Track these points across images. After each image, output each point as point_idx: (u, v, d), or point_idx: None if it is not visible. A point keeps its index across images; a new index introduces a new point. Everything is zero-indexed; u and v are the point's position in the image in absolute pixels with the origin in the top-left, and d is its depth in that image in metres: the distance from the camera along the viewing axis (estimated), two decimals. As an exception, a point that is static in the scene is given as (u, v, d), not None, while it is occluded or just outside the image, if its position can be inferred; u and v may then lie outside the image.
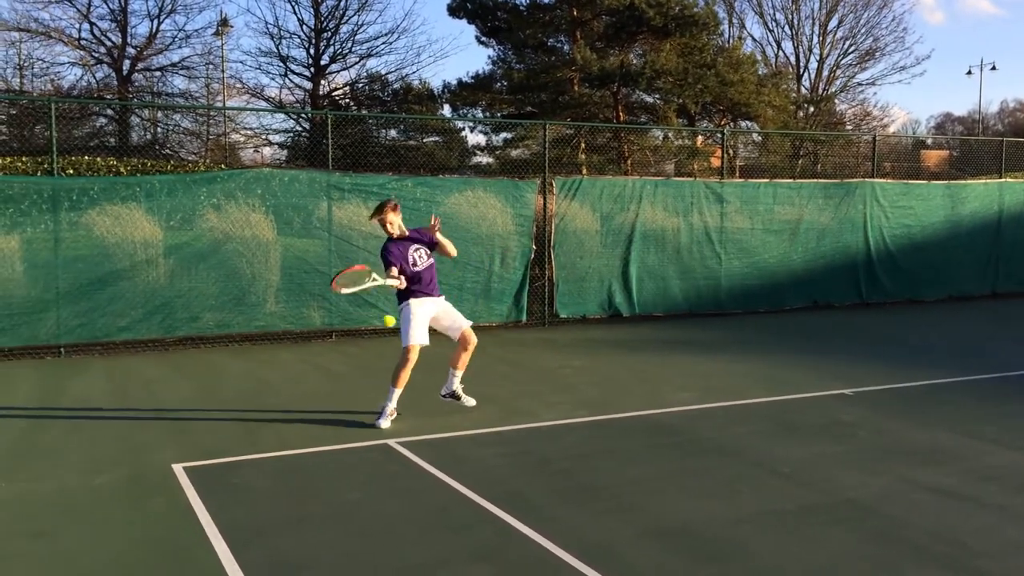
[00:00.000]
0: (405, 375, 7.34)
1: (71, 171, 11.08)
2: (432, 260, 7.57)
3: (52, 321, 10.49)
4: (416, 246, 7.49)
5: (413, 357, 7.32)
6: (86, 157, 12.10)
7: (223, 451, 6.57)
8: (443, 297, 7.69)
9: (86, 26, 27.21)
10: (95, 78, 28.01)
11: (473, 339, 7.65)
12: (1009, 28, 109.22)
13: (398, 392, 7.37)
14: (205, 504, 5.36)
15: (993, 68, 57.19)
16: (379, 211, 7.46)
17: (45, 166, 10.86)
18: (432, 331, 7.56)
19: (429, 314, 7.48)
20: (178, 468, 6.11)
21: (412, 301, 7.42)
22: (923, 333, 12.57)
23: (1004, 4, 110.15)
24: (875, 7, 37.40)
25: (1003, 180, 16.80)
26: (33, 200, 10.38)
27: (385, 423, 7.25)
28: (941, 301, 16.00)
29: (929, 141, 53.88)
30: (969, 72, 72.55)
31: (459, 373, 7.77)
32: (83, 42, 27.30)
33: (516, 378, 9.32)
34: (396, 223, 7.46)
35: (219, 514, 5.18)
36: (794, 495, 5.52)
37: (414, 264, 7.41)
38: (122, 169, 11.63)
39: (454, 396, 7.83)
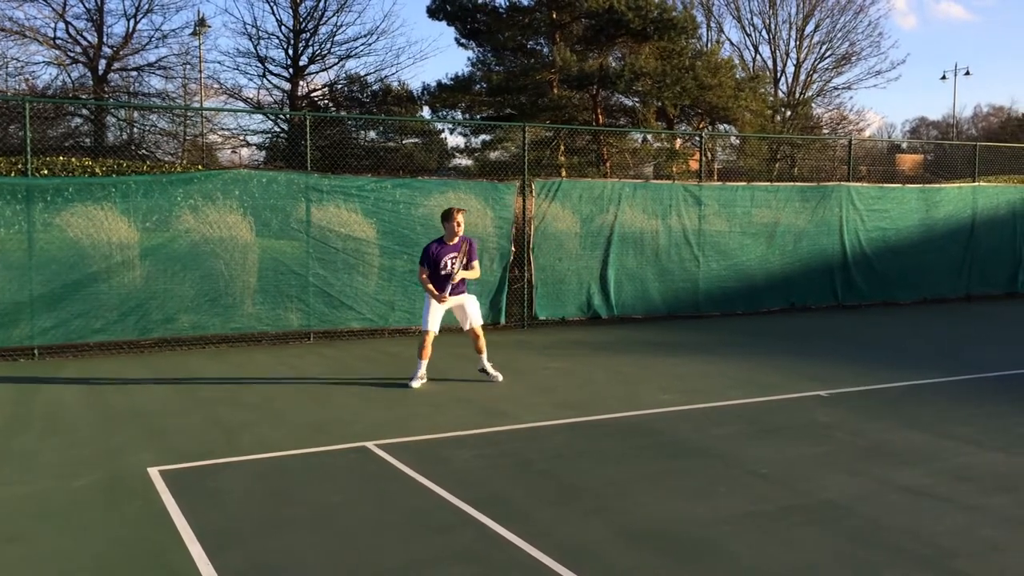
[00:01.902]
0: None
1: (45, 171, 10.95)
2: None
3: (26, 323, 10.36)
4: (455, 253, 8.90)
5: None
6: (61, 157, 11.93)
7: (199, 454, 6.51)
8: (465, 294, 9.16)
9: (61, 25, 26.92)
10: (70, 78, 27.73)
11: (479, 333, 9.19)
12: (981, 33, 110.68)
13: (424, 362, 8.95)
14: (181, 508, 5.31)
15: (967, 73, 57.75)
16: (451, 215, 8.88)
17: (19, 166, 10.73)
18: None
19: (443, 307, 8.98)
20: (154, 471, 6.05)
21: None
22: (898, 335, 12.68)
23: (976, 9, 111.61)
24: (851, 12, 37.81)
25: (976, 184, 16.99)
26: (7, 200, 10.25)
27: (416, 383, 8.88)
28: (916, 304, 16.16)
29: (904, 145, 54.42)
30: (943, 77, 73.09)
31: (482, 356, 9.22)
32: (58, 41, 27.01)
33: (495, 381, 9.30)
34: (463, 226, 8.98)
35: (195, 518, 5.13)
36: (772, 496, 5.55)
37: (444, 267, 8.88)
38: (97, 169, 11.49)
39: (484, 372, 9.23)
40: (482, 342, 9.14)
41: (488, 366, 9.18)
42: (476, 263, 9.07)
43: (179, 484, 5.77)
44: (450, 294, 8.89)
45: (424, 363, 8.92)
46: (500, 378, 9.13)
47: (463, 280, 9.00)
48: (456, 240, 8.86)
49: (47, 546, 4.77)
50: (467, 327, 9.12)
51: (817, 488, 5.70)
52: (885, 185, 16.54)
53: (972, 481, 5.83)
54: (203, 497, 5.55)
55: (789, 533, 4.91)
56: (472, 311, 9.07)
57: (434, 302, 8.88)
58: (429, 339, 8.88)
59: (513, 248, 13.01)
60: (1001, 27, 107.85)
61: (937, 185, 17.11)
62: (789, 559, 4.56)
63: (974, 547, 4.71)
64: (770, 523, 5.07)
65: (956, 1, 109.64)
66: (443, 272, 8.84)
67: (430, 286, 8.85)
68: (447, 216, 8.90)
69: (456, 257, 8.86)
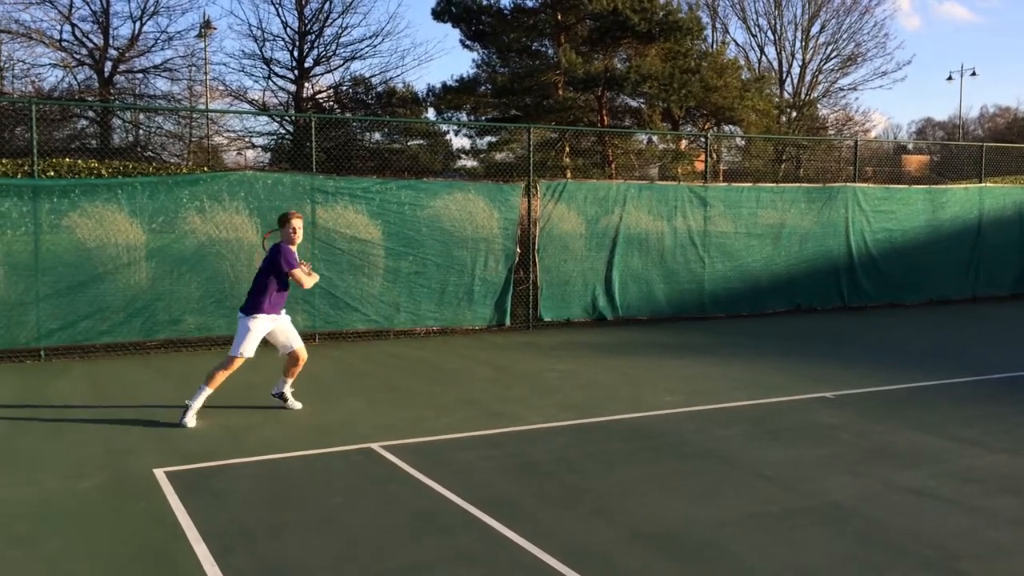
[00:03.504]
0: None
1: (52, 173, 10.99)
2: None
3: (32, 324, 10.40)
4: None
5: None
6: (67, 159, 11.97)
7: (205, 455, 6.53)
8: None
9: (68, 28, 26.98)
10: (76, 80, 27.79)
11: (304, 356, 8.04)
12: (987, 34, 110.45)
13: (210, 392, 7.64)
14: (187, 509, 5.32)
15: (973, 74, 57.78)
16: (287, 220, 7.70)
17: (26, 168, 10.77)
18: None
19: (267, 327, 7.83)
20: (160, 473, 6.07)
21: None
22: (904, 337, 12.66)
23: (980, 11, 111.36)
24: (857, 13, 37.70)
25: (983, 185, 16.95)
26: (13, 202, 10.29)
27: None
28: (922, 305, 16.12)
29: (910, 146, 54.29)
30: (950, 77, 73.06)
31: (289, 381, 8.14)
32: (64, 44, 27.07)
33: (500, 381, 9.32)
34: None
35: (201, 519, 5.15)
36: (777, 498, 5.55)
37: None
38: (104, 171, 11.52)
39: (282, 397, 8.14)
40: (300, 367, 8.03)
41: (289, 392, 8.14)
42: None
43: (185, 485, 5.79)
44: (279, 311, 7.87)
45: (210, 392, 7.57)
46: (299, 406, 8.05)
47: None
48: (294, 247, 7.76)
49: (53, 547, 4.79)
50: (288, 350, 7.96)
51: (822, 490, 5.70)
52: (891, 186, 16.51)
53: (977, 483, 5.82)
54: (209, 498, 5.56)
55: (794, 535, 4.91)
56: (293, 330, 8.03)
57: (260, 322, 7.68)
58: (238, 365, 7.67)
59: (518, 249, 13.01)
60: (1007, 28, 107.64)
61: (943, 186, 17.07)
62: (794, 561, 4.55)
63: (979, 549, 4.71)
64: (775, 525, 5.06)
65: (960, 2, 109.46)
66: (284, 285, 7.75)
67: (302, 277, 7.68)
68: (284, 220, 7.72)
69: (301, 267, 7.75)
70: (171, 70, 28.56)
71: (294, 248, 7.74)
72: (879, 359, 10.64)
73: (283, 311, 7.92)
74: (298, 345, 7.96)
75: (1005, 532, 4.95)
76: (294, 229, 7.66)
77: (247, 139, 28.55)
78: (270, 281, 7.66)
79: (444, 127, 26.28)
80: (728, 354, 11.01)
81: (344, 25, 30.05)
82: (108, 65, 27.78)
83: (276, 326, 7.83)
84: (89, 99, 26.91)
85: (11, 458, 6.52)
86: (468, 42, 25.99)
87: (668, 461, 6.40)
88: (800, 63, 37.73)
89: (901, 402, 8.34)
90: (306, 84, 29.56)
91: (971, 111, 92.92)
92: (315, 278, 7.91)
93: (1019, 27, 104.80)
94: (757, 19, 38.27)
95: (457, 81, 25.09)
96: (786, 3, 37.46)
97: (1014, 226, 17.03)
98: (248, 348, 7.64)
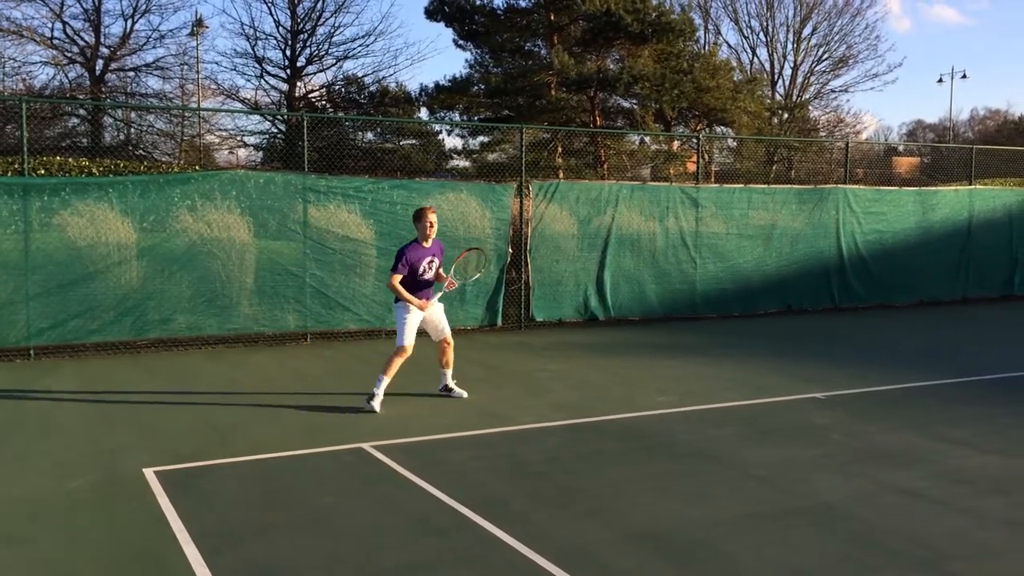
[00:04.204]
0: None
1: (42, 171, 10.94)
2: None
3: (22, 323, 10.34)
4: (431, 257, 8.16)
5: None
6: (58, 157, 11.94)
7: (196, 455, 6.50)
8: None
9: (59, 25, 26.88)
10: (68, 78, 27.69)
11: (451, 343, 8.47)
12: (977, 36, 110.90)
13: (388, 380, 8.03)
14: (177, 509, 5.30)
15: (964, 76, 57.88)
16: (421, 215, 8.13)
17: (16, 166, 10.72)
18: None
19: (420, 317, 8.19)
20: (150, 472, 6.04)
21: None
22: (895, 337, 12.70)
23: (970, 13, 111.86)
24: (849, 15, 37.85)
25: (973, 187, 17.02)
26: (3, 201, 10.23)
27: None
28: (913, 306, 16.18)
29: (901, 148, 54.47)
30: (940, 80, 73.58)
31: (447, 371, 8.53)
32: (56, 41, 26.97)
33: (492, 381, 9.31)
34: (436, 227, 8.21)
35: (191, 519, 5.12)
36: (769, 498, 5.55)
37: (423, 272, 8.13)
38: (95, 170, 11.49)
39: (448, 390, 8.53)
40: (451, 354, 8.47)
41: (453, 383, 8.53)
42: (443, 272, 8.37)
43: (175, 485, 5.76)
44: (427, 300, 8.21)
45: (388, 381, 8.00)
46: (465, 395, 8.46)
47: (433, 287, 8.30)
48: (431, 242, 8.14)
49: (42, 547, 4.76)
50: (439, 337, 8.38)
51: (813, 490, 5.71)
52: (882, 188, 16.56)
53: (968, 484, 5.84)
54: (199, 498, 5.54)
55: (786, 535, 4.91)
56: (444, 320, 8.39)
57: (413, 312, 8.06)
58: (407, 355, 8.06)
59: (510, 249, 13.01)
60: (997, 29, 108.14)
61: (934, 188, 17.12)
62: (786, 561, 4.56)
63: (970, 550, 4.72)
64: (767, 525, 5.07)
65: (950, 4, 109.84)
66: (422, 278, 8.09)
67: (406, 293, 7.98)
68: (419, 216, 8.14)
69: (433, 260, 8.14)
70: (163, 68, 28.50)
71: (426, 244, 8.10)
72: (870, 360, 10.67)
73: (436, 300, 8.29)
74: (441, 336, 8.38)
75: (995, 533, 4.97)
76: (430, 223, 8.07)
77: (239, 138, 28.49)
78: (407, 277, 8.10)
79: (437, 127, 26.27)
80: (720, 354, 11.03)
81: (337, 24, 30.04)
82: (99, 63, 27.69)
83: (427, 314, 8.22)
84: (80, 97, 26.80)
85: (1, 458, 6.48)
86: (461, 42, 25.98)
87: (660, 461, 6.40)
88: (792, 65, 37.88)
89: (892, 403, 8.36)
90: (298, 83, 29.52)
91: (961, 113, 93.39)
92: (447, 282, 8.31)
93: (1009, 29, 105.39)
94: (749, 21, 38.40)
95: (450, 81, 25.08)
96: (778, 5, 37.62)
97: (1003, 228, 17.11)
98: (407, 337, 8.06)
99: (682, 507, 5.38)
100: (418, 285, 8.08)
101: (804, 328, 13.58)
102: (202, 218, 11.15)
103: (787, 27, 37.73)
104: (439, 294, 8.29)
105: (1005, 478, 5.99)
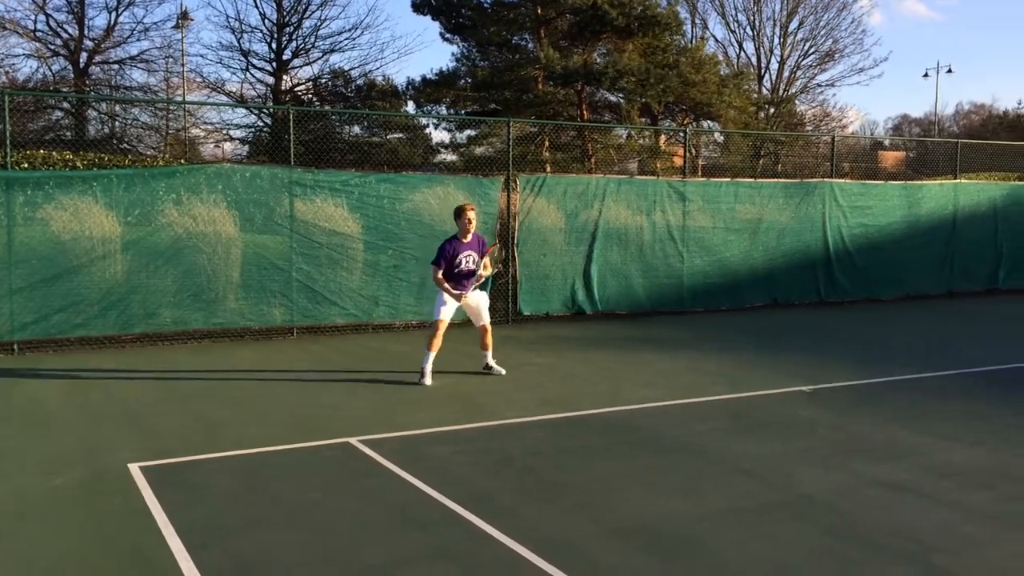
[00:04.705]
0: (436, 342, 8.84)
1: (26, 165, 10.84)
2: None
3: (5, 318, 10.26)
4: (469, 251, 8.90)
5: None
6: (41, 151, 11.84)
7: (181, 450, 6.47)
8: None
9: (42, 18, 26.66)
10: (51, 70, 27.46)
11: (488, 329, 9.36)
12: (950, 31, 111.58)
13: (432, 355, 8.81)
14: (162, 504, 5.27)
15: (949, 71, 58.31)
16: (461, 212, 8.91)
17: (-2, 160, 10.62)
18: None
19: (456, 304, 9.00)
20: (135, 468, 6.00)
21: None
22: (880, 331, 12.76)
23: (939, 8, 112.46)
24: (835, 9, 37.94)
25: (958, 181, 17.10)
26: (-15, 194, 10.14)
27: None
28: (898, 300, 16.26)
29: (887, 142, 54.71)
30: (926, 74, 73.98)
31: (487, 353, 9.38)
32: (39, 34, 26.74)
33: (478, 375, 9.30)
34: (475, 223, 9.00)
35: (176, 514, 5.10)
36: (755, 492, 5.57)
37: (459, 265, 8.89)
38: (79, 163, 11.40)
39: (488, 368, 9.34)
40: (489, 338, 9.29)
41: (493, 362, 9.34)
42: (487, 260, 9.17)
43: (160, 480, 5.73)
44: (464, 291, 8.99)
45: (433, 355, 8.83)
46: (503, 372, 9.25)
47: (476, 277, 9.07)
48: (470, 237, 8.90)
49: (26, 543, 4.73)
50: (478, 323, 9.26)
51: (799, 484, 5.72)
52: (868, 182, 16.63)
53: (953, 477, 5.87)
54: (184, 493, 5.51)
55: (771, 529, 4.93)
56: (485, 308, 9.24)
57: (449, 298, 8.89)
58: (442, 329, 8.86)
59: (498, 243, 12.99)
60: (965, 23, 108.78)
61: (919, 182, 17.20)
62: (771, 555, 4.57)
63: (955, 543, 4.74)
64: (753, 519, 5.08)
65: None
66: (458, 270, 8.88)
67: (447, 285, 8.83)
68: (459, 213, 8.95)
69: (471, 255, 8.91)
70: (147, 61, 28.30)
71: (465, 239, 8.85)
72: (856, 354, 10.71)
73: (474, 289, 9.10)
74: (481, 322, 9.21)
75: (981, 526, 4.99)
76: (469, 220, 8.84)
77: (225, 132, 28.31)
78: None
79: (424, 120, 26.21)
80: (706, 348, 11.05)
81: (323, 17, 29.92)
82: (84, 56, 27.48)
83: (466, 302, 9.02)
84: (64, 90, 26.59)
85: (-17, 453, 6.44)
86: (448, 35, 25.96)
87: (646, 455, 6.41)
88: (778, 59, 37.96)
89: (878, 396, 8.40)
90: (284, 76, 29.40)
91: (947, 108, 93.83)
92: (486, 268, 9.13)
93: (976, 22, 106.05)
94: (736, 15, 38.43)
95: (437, 75, 25.06)
96: (765, -1, 37.63)
97: (988, 222, 17.20)
98: (441, 313, 8.87)
99: (668, 501, 5.39)
100: (454, 276, 8.86)
101: (790, 322, 13.63)
102: (188, 212, 11.09)
103: (774, 21, 37.83)
104: (475, 284, 9.05)
105: (991, 471, 6.02)
